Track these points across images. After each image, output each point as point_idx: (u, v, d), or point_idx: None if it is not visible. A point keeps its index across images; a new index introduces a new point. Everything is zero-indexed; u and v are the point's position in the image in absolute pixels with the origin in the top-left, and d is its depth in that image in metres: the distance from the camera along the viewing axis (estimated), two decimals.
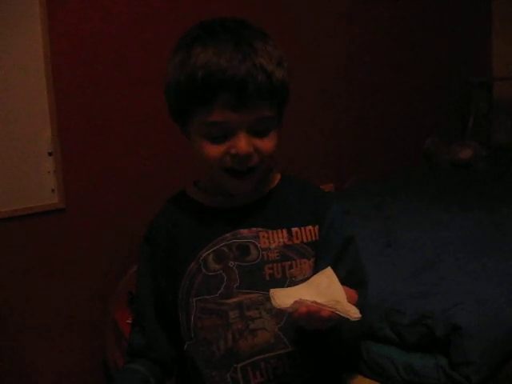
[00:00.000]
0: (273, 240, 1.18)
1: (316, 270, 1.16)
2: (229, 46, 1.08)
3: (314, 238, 1.20)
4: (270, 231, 1.19)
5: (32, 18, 1.97)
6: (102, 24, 2.15)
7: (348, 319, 0.97)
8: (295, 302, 0.98)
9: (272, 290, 1.03)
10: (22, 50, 1.96)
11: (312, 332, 1.07)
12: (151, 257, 1.26)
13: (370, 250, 1.79)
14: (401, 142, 3.23)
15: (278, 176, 1.27)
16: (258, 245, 1.17)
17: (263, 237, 1.18)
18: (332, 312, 0.97)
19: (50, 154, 2.05)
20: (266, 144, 1.12)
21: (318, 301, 0.98)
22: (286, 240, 1.18)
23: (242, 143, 1.09)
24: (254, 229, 1.19)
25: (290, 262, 1.17)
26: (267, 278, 1.16)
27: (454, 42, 3.49)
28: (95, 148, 2.17)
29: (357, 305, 1.01)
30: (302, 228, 1.20)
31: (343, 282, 1.10)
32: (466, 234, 1.94)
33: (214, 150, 1.12)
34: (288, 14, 2.69)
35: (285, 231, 1.19)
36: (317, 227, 1.20)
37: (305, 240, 1.19)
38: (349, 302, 1.00)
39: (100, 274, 2.21)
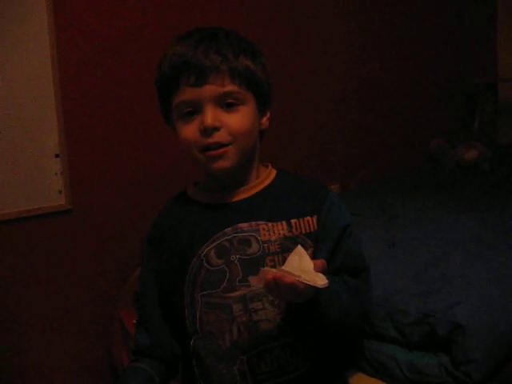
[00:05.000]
0: (273, 232, 1.20)
1: (315, 259, 1.18)
2: (194, 39, 1.17)
3: (312, 229, 1.22)
4: (270, 224, 1.21)
5: (39, 21, 1.99)
6: (109, 26, 2.17)
7: (319, 288, 1.00)
8: (261, 270, 1.02)
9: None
10: (30, 54, 1.99)
11: (304, 314, 1.11)
12: (154, 256, 1.29)
13: (374, 249, 1.80)
14: (406, 143, 3.24)
15: (274, 172, 1.30)
16: (259, 238, 1.20)
17: (263, 229, 1.20)
18: (297, 280, 1.00)
19: (57, 156, 2.07)
20: (234, 119, 1.17)
21: (284, 269, 1.01)
22: (286, 232, 1.21)
23: (207, 116, 1.15)
24: (254, 222, 1.21)
25: (290, 253, 1.18)
26: None
27: (459, 43, 3.49)
28: (101, 150, 2.19)
29: (324, 273, 1.03)
30: (301, 219, 1.22)
31: (340, 268, 1.15)
32: (469, 234, 1.94)
33: (188, 130, 1.18)
34: (291, 17, 2.71)
35: (284, 223, 1.21)
36: (315, 217, 1.23)
37: (303, 231, 1.22)
38: (316, 271, 1.03)
39: (106, 275, 2.23)
